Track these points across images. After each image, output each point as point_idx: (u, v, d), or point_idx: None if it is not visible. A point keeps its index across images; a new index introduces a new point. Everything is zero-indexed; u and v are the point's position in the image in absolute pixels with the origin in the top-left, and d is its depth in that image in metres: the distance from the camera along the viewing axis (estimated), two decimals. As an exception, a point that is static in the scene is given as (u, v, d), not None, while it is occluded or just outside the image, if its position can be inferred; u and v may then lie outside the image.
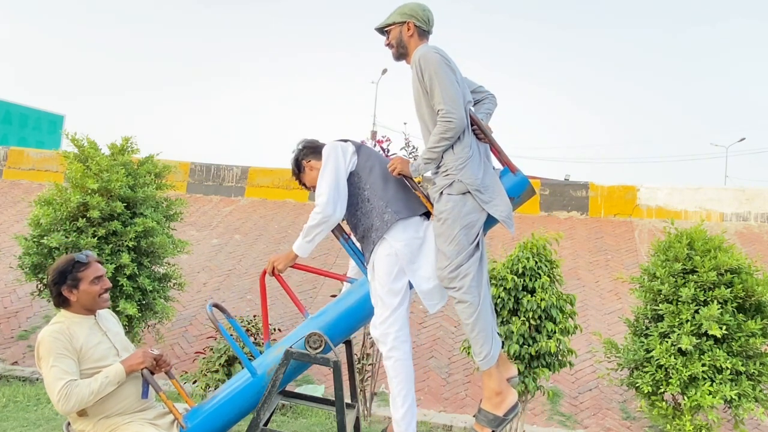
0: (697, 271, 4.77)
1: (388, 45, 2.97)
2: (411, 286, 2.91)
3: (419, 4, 2.94)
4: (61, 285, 2.66)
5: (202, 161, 12.54)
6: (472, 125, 2.85)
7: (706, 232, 5.03)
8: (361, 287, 2.99)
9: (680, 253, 4.87)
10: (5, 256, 9.03)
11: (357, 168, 2.96)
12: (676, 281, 4.81)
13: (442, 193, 2.80)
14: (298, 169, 3.15)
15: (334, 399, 2.85)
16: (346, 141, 3.05)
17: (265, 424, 2.90)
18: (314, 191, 3.11)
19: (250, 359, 3.01)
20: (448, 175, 2.79)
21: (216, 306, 3.06)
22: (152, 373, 2.72)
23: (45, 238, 5.99)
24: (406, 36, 2.91)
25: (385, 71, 30.40)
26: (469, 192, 2.74)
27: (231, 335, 3.33)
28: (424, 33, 2.93)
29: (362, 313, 2.97)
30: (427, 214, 2.96)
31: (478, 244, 2.78)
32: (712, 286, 4.70)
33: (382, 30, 3.00)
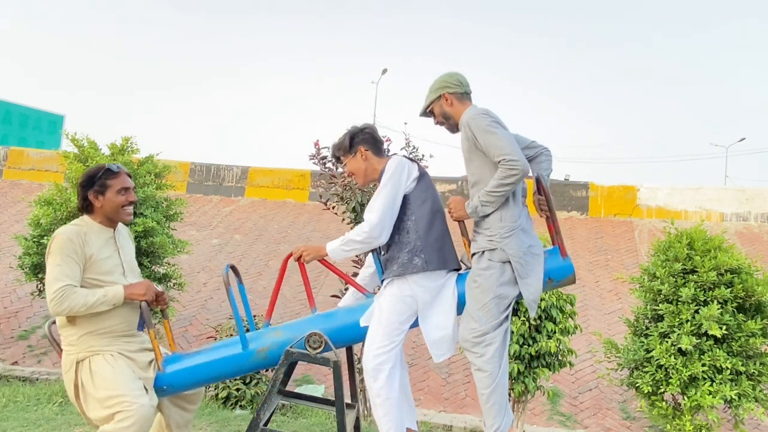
0: (697, 271, 4.77)
1: (439, 123, 2.94)
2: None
3: (446, 73, 2.93)
4: (88, 189, 2.70)
5: (202, 161, 12.55)
6: (538, 192, 2.81)
7: (706, 232, 5.03)
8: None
9: (680, 253, 4.87)
10: (5, 256, 9.03)
11: (411, 195, 2.87)
12: (676, 281, 4.80)
13: (483, 252, 2.75)
14: (350, 146, 2.97)
15: (334, 399, 2.85)
16: (413, 161, 2.96)
17: (265, 424, 2.90)
18: (351, 177, 2.99)
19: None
20: (491, 240, 2.72)
21: (233, 268, 3.04)
22: (149, 307, 2.76)
23: (45, 238, 6.00)
24: (447, 108, 2.89)
25: (385, 71, 30.41)
26: (509, 262, 2.69)
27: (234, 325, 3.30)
28: (462, 96, 2.89)
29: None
30: (457, 269, 2.92)
31: (507, 315, 2.74)
32: (712, 286, 4.70)
33: (426, 112, 2.98)
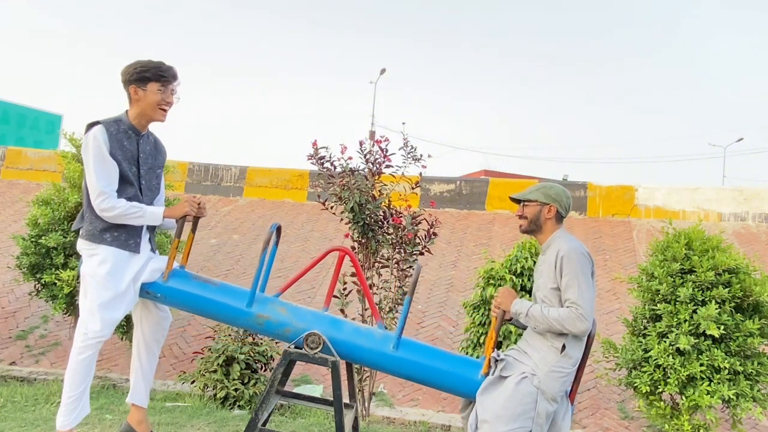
0: (695, 271, 4.78)
1: (522, 217, 2.95)
2: None
3: (565, 191, 2.94)
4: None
5: (200, 161, 12.53)
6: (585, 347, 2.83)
7: (704, 232, 5.04)
8: (382, 341, 2.92)
9: (678, 253, 4.88)
10: (3, 256, 9.02)
11: None
12: (674, 281, 4.81)
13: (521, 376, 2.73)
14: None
15: (332, 399, 2.85)
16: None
17: (264, 424, 2.90)
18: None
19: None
20: (525, 371, 2.73)
21: (278, 230, 3.09)
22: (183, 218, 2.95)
23: (43, 238, 5.98)
24: (544, 217, 2.90)
25: (383, 71, 30.43)
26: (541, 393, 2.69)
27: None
28: (560, 218, 2.94)
29: (369, 359, 2.96)
30: None
31: None
32: (710, 286, 4.71)
33: (519, 200, 2.98)
